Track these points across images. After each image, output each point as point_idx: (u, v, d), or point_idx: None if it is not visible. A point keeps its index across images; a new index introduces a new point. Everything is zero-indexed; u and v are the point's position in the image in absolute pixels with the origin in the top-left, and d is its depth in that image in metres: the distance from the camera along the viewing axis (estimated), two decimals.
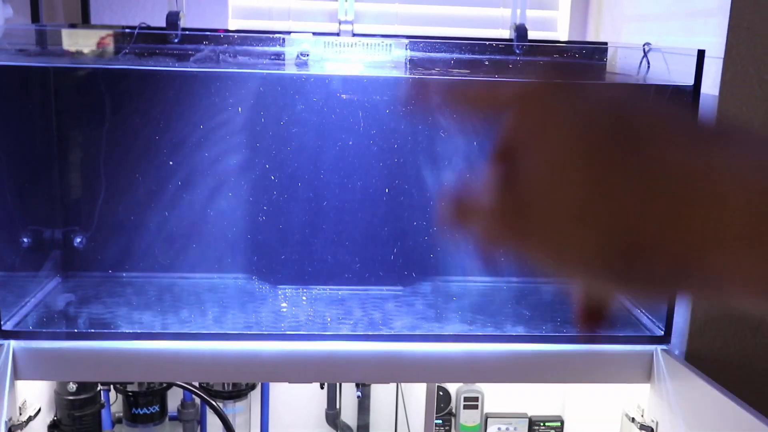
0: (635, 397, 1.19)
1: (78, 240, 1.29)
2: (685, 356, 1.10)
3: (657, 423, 1.12)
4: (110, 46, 1.17)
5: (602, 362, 1.13)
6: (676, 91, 1.12)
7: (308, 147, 1.30)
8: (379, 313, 1.23)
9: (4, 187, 1.15)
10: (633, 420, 1.19)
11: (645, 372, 1.13)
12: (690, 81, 1.05)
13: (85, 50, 1.18)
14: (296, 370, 1.11)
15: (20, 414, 1.10)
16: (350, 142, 1.30)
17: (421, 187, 1.33)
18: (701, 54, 1.04)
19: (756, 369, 1.11)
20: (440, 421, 1.55)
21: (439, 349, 1.11)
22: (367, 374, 1.15)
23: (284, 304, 1.26)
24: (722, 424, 0.94)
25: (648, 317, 1.20)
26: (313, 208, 1.32)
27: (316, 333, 1.13)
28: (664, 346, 1.13)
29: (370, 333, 1.14)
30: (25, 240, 1.22)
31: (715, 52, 1.03)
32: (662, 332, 1.13)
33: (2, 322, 1.08)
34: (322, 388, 1.54)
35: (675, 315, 1.13)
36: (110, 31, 1.18)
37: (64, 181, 1.29)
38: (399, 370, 1.12)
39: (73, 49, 1.19)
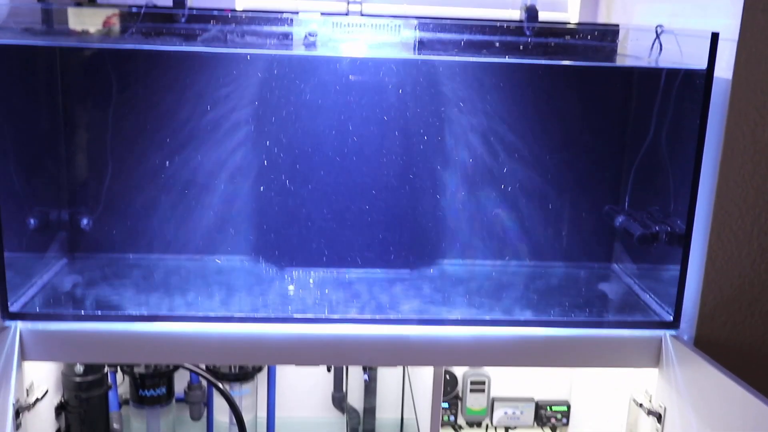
0: (643, 383, 1.18)
1: (85, 221, 1.29)
2: (694, 341, 1.10)
3: (665, 408, 1.12)
4: (117, 26, 1.16)
5: (610, 347, 1.12)
6: (689, 74, 1.11)
7: (316, 128, 1.29)
8: (386, 296, 1.23)
9: (11, 168, 1.14)
10: (641, 405, 1.18)
11: (653, 357, 1.12)
12: (703, 64, 1.04)
13: (92, 29, 1.17)
14: (303, 353, 1.10)
15: (27, 396, 1.11)
16: (358, 124, 1.29)
17: (430, 169, 1.32)
18: (715, 36, 1.03)
19: (765, 354, 1.10)
20: (447, 405, 1.55)
21: (446, 332, 1.11)
22: (374, 358, 1.14)
23: (291, 287, 1.26)
24: (730, 410, 0.93)
25: (657, 302, 1.19)
26: (321, 190, 1.31)
27: (323, 316, 1.13)
28: (673, 332, 1.12)
29: (377, 317, 1.14)
30: (32, 221, 1.21)
31: (729, 34, 1.02)
32: (671, 317, 1.12)
33: (9, 304, 1.08)
34: (329, 371, 1.54)
35: (684, 300, 1.12)
36: (116, 11, 1.17)
37: (70, 162, 1.29)
38: (406, 354, 1.12)
39: (79, 28, 1.18)
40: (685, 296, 1.12)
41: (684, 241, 1.09)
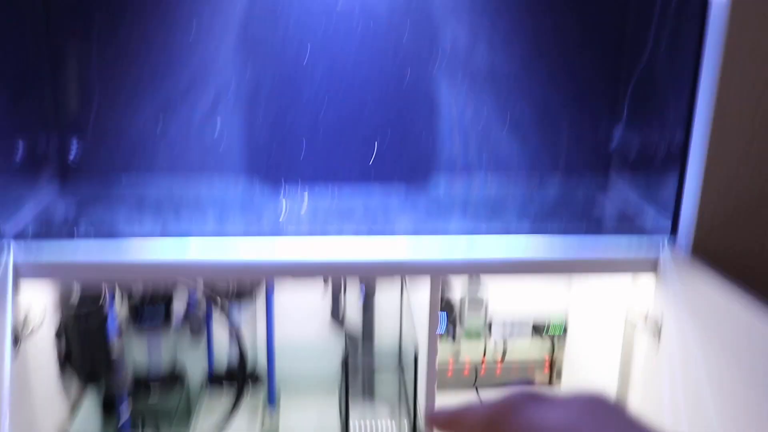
0: (641, 300, 1.18)
1: (75, 146, 1.27)
2: (691, 250, 1.09)
3: (663, 315, 1.12)
4: None
5: (608, 253, 1.11)
6: None
7: (307, 42, 1.26)
8: (382, 210, 1.22)
9: None
10: (635, 327, 1.18)
11: (651, 264, 1.11)
12: None
13: None
14: (300, 268, 1.09)
15: (24, 324, 1.10)
16: (350, 37, 1.26)
17: (425, 82, 1.30)
18: None
19: (757, 268, 1.09)
20: (444, 329, 1.55)
21: (442, 242, 1.10)
22: (370, 270, 1.13)
23: (286, 203, 1.25)
24: (728, 316, 0.93)
25: (655, 211, 1.18)
26: (315, 105, 1.29)
27: (318, 229, 1.12)
28: (670, 237, 1.11)
29: (373, 228, 1.13)
30: (21, 146, 1.19)
31: None
32: (669, 224, 1.12)
33: (1, 224, 1.07)
34: (325, 282, 1.50)
35: (682, 212, 1.11)
36: None
37: (58, 87, 1.26)
38: (403, 265, 1.11)
39: None
40: (683, 208, 1.11)
41: (682, 152, 1.08)
